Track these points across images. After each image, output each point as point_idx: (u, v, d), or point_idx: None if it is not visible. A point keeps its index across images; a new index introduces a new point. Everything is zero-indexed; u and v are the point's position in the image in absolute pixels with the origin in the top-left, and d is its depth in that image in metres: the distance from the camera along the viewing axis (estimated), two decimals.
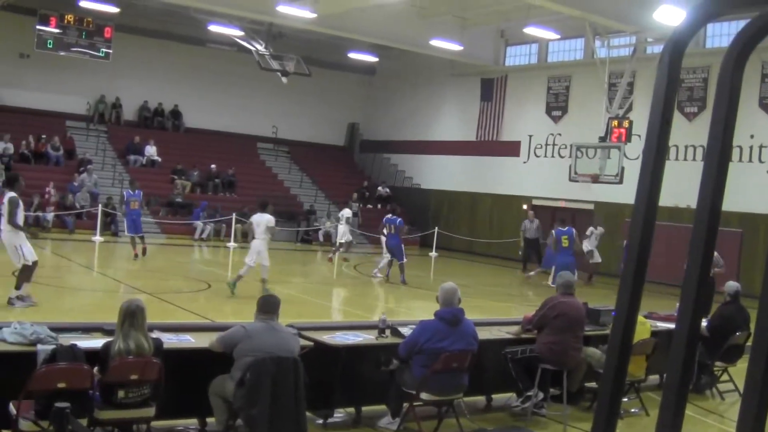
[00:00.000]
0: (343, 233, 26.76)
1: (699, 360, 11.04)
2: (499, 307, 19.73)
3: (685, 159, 27.06)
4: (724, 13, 1.91)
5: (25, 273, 13.71)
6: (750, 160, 25.75)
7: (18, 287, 13.75)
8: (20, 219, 13.71)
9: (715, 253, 17.76)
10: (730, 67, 1.80)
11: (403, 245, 22.57)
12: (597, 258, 25.82)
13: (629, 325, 1.85)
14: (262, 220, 17.49)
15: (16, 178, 14.32)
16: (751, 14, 1.87)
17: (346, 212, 27.46)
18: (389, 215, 23.21)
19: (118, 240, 28.72)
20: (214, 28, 31.92)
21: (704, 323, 11.69)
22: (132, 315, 6.89)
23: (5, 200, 13.76)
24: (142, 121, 37.77)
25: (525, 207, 33.23)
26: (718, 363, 11.65)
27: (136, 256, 23.07)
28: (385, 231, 22.50)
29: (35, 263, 13.79)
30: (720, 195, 1.80)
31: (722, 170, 1.79)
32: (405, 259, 22.35)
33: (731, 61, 1.80)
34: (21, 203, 13.73)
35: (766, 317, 1.66)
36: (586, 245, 25.30)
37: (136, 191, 24.51)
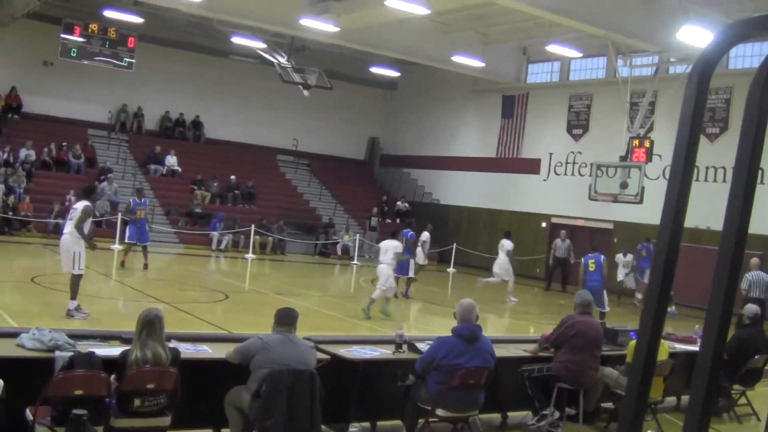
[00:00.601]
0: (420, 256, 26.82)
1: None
2: (517, 324, 19.67)
3: (707, 180, 26.91)
4: (753, 35, 1.90)
5: (77, 282, 13.74)
6: None
7: (74, 297, 13.76)
8: (87, 229, 13.91)
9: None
10: (759, 87, 1.79)
11: (412, 259, 22.30)
12: (631, 283, 25.85)
13: (653, 346, 1.84)
14: (390, 246, 17.90)
15: (93, 190, 14.80)
16: None
17: (424, 235, 27.26)
18: (405, 229, 22.97)
19: (137, 249, 28.80)
20: (237, 40, 32.05)
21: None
22: (150, 324, 6.89)
23: (79, 207, 13.80)
24: (163, 131, 37.95)
25: (544, 225, 33.18)
26: (735, 386, 11.56)
27: (146, 266, 23.09)
28: None
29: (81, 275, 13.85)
30: (747, 217, 1.78)
31: (749, 192, 1.77)
32: (412, 274, 22.22)
33: (761, 82, 1.79)
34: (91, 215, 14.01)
35: None
36: (621, 274, 25.91)
37: (143, 200, 24.57)
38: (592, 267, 20.02)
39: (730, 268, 1.76)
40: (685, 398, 11.69)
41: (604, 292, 19.50)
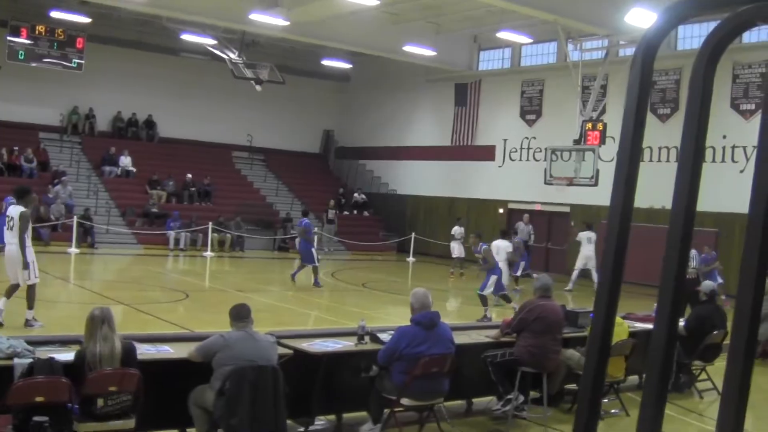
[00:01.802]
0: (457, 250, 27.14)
1: (677, 360, 11.11)
2: (478, 311, 19.73)
3: (659, 160, 27.23)
4: (695, 15, 1.92)
5: (34, 291, 13.28)
6: (723, 161, 25.94)
7: (31, 307, 13.31)
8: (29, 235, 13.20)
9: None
10: (702, 67, 1.81)
11: (313, 248, 22.45)
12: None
13: (608, 326, 1.86)
14: (502, 246, 17.80)
15: (28, 191, 13.67)
16: (722, 15, 1.88)
17: (457, 230, 27.57)
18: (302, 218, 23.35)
19: (95, 251, 28.56)
20: (187, 37, 31.81)
21: (681, 323, 11.77)
22: (101, 321, 6.89)
23: (15, 215, 13.03)
24: (116, 131, 37.56)
25: (501, 211, 33.34)
26: (696, 362, 11.71)
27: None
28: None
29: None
30: (695, 195, 1.81)
31: (696, 170, 1.80)
32: (316, 263, 22.11)
33: (703, 61, 1.82)
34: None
35: (742, 315, 1.67)
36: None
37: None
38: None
39: (680, 245, 1.78)
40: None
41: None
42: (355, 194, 39.38)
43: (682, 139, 1.82)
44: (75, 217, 28.45)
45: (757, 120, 25.41)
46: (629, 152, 1.85)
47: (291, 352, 8.21)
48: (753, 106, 25.73)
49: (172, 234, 31.25)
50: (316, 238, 26.95)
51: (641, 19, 23.23)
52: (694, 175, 1.79)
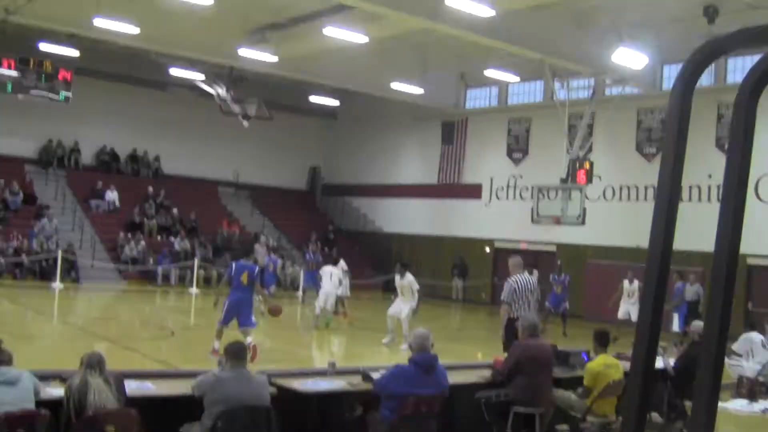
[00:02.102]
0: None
1: (668, 400, 11.05)
2: (466, 350, 19.64)
3: (645, 199, 27.31)
4: (733, 48, 1.86)
5: None
6: (708, 200, 25.97)
7: None
8: None
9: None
10: (745, 100, 1.75)
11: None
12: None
13: (648, 370, 1.78)
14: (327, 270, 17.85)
15: None
16: (760, 50, 1.83)
17: (334, 270, 26.75)
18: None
19: (79, 286, 28.32)
20: (175, 71, 31.82)
21: (672, 363, 11.74)
22: (89, 367, 6.77)
23: None
24: (101, 165, 37.39)
25: (487, 250, 33.32)
26: (687, 402, 11.63)
27: None
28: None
29: None
30: (738, 235, 1.74)
31: (740, 208, 1.73)
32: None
33: (746, 95, 1.76)
34: None
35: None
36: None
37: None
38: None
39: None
40: None
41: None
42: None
43: (725, 173, 1.75)
44: (60, 251, 28.21)
45: None
46: (669, 188, 1.78)
47: (279, 391, 8.10)
48: None
49: (159, 270, 31.06)
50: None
51: (627, 58, 23.42)
52: (738, 212, 1.72)
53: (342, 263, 23.58)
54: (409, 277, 19.03)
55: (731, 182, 1.73)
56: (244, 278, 15.85)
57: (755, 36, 1.84)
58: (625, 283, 23.38)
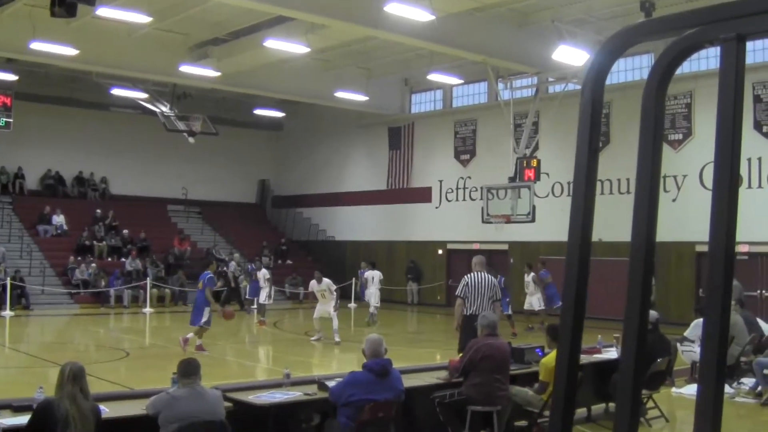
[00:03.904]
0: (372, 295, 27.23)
1: None
2: (423, 353, 19.69)
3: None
4: (640, 41, 1.91)
5: None
6: (759, 185, 25.30)
7: None
8: None
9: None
10: (652, 93, 1.80)
11: (207, 306, 18.74)
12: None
13: (573, 360, 1.82)
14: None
15: None
16: (667, 39, 1.87)
17: (376, 274, 27.62)
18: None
19: (30, 313, 27.96)
20: (117, 92, 31.55)
21: None
22: (68, 378, 6.69)
23: None
24: (46, 189, 36.96)
25: (440, 252, 33.45)
26: (643, 390, 11.77)
27: None
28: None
29: None
30: (654, 223, 1.78)
31: (654, 197, 1.77)
32: (201, 323, 18.76)
33: (653, 88, 1.80)
34: None
35: (712, 338, 1.64)
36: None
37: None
38: None
39: (642, 277, 1.75)
40: (595, 408, 11.86)
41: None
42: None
43: (638, 166, 1.80)
44: (8, 278, 27.81)
45: (686, 150, 25.84)
46: (585, 180, 1.82)
47: (234, 405, 8.08)
48: (681, 137, 26.23)
49: (112, 291, 30.77)
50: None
51: (568, 56, 23.67)
52: (653, 204, 1.76)
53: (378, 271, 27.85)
54: (326, 280, 21.15)
55: (644, 173, 1.78)
56: (200, 284, 19.32)
57: (662, 26, 1.89)
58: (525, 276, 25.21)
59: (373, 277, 27.33)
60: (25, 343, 22.25)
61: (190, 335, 18.56)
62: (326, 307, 21.00)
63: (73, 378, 6.69)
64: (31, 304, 28.83)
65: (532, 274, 24.79)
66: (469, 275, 13.28)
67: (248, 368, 17.91)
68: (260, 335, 23.89)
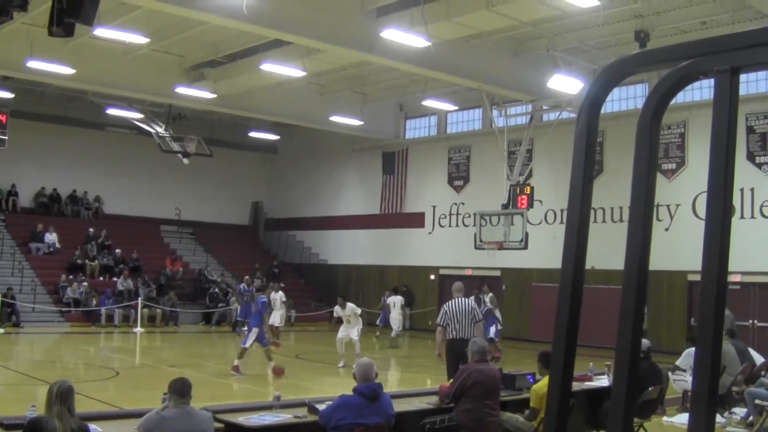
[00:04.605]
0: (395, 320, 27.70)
1: None
2: (414, 378, 19.66)
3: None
4: (636, 71, 1.94)
5: None
6: (752, 216, 25.24)
7: None
8: None
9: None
10: (647, 124, 1.82)
11: (257, 328, 19.56)
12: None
13: (565, 387, 1.83)
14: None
15: None
16: (664, 70, 1.90)
17: (398, 299, 28.08)
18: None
19: (21, 331, 27.86)
20: (112, 111, 31.60)
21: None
22: (56, 397, 6.64)
23: None
24: (39, 207, 36.89)
25: (432, 277, 33.42)
26: (635, 419, 11.74)
27: None
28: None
29: None
30: (647, 250, 1.80)
31: (647, 226, 1.79)
32: (246, 345, 19.66)
33: (648, 118, 1.83)
34: None
35: (703, 365, 1.65)
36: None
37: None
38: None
39: (635, 304, 1.77)
40: None
41: None
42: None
43: (632, 195, 1.82)
44: None
45: (679, 179, 25.88)
46: (579, 208, 1.84)
47: (223, 425, 8.05)
48: (674, 166, 26.31)
49: (103, 310, 30.69)
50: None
51: (563, 84, 23.78)
52: (646, 231, 1.78)
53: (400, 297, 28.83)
54: (350, 305, 21.23)
55: (638, 202, 1.79)
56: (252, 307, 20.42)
57: (657, 57, 1.92)
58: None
59: (395, 302, 28.08)
60: (15, 361, 22.15)
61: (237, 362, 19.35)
62: (350, 331, 21.03)
63: (61, 397, 6.65)
64: (21, 321, 28.71)
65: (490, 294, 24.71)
66: (448, 303, 14.15)
67: (238, 390, 17.83)
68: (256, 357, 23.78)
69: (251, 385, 18.57)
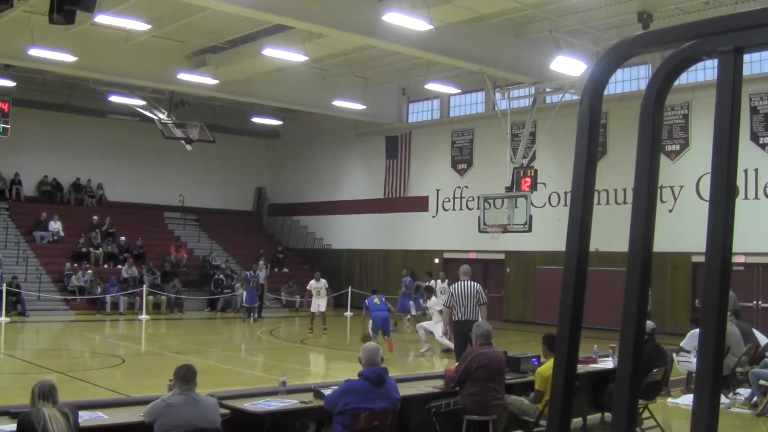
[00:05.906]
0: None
1: None
2: (419, 362, 19.68)
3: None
4: (639, 52, 1.93)
5: None
6: (756, 197, 25.17)
7: None
8: None
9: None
10: (651, 105, 1.81)
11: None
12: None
13: (570, 370, 1.82)
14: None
15: None
16: (667, 51, 1.89)
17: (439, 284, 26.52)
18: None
19: (26, 320, 27.92)
20: (114, 99, 31.57)
21: None
22: (40, 397, 6.66)
23: None
24: (43, 195, 36.91)
25: (437, 261, 33.42)
26: (639, 400, 11.75)
27: None
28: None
29: None
30: (651, 233, 1.79)
31: (651, 208, 1.78)
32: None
33: (651, 100, 1.81)
34: None
35: (707, 348, 1.65)
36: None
37: None
38: (377, 301, 20.64)
39: (639, 286, 1.76)
40: (591, 418, 11.86)
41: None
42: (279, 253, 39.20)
43: (636, 177, 1.81)
44: (4, 284, 27.75)
45: (683, 160, 25.86)
46: (582, 191, 1.83)
47: (229, 412, 8.06)
48: (678, 147, 26.27)
49: (108, 298, 30.75)
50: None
51: (566, 66, 23.71)
52: (650, 213, 1.77)
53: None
54: (433, 298, 21.65)
55: (642, 183, 1.79)
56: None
57: (660, 38, 1.91)
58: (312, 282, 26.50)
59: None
60: (21, 350, 22.22)
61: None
62: (434, 327, 20.47)
63: (43, 396, 6.67)
64: (26, 310, 28.76)
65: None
66: (454, 285, 15.05)
67: (244, 376, 17.87)
68: (262, 343, 23.86)
69: (257, 371, 18.63)
